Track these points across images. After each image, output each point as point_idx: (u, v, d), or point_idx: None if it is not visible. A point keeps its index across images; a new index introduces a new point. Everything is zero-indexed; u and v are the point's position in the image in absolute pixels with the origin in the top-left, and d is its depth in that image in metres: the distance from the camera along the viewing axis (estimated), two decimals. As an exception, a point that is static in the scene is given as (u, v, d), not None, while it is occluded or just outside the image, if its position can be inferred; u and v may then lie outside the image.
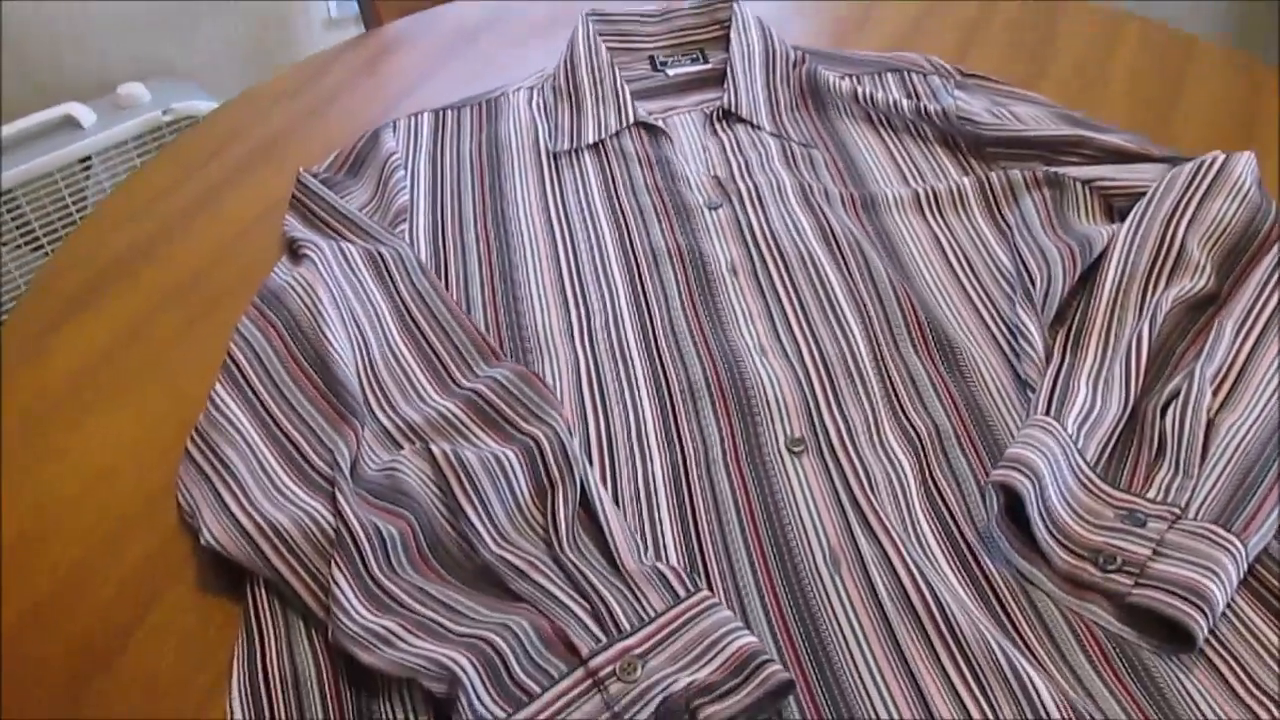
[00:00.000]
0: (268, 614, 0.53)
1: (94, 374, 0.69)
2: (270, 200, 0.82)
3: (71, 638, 0.54)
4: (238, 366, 0.63)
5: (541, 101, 0.88)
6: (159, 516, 0.59)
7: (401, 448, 0.59)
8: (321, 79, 0.99)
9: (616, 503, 0.57)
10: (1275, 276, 0.63)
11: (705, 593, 0.49)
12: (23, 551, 0.59)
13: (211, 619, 0.54)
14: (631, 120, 0.84)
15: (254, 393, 0.62)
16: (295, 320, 0.65)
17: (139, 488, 0.61)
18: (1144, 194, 0.68)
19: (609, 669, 0.46)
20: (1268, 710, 0.46)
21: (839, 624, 0.50)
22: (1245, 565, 0.50)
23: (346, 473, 0.55)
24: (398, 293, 0.69)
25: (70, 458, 0.64)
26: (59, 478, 0.62)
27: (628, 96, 0.85)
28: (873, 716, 0.47)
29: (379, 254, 0.71)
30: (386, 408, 0.61)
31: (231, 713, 0.49)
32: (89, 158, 1.30)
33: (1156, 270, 0.64)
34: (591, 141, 0.83)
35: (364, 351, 0.64)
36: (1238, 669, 0.48)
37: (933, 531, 0.54)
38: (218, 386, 0.62)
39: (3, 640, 0.54)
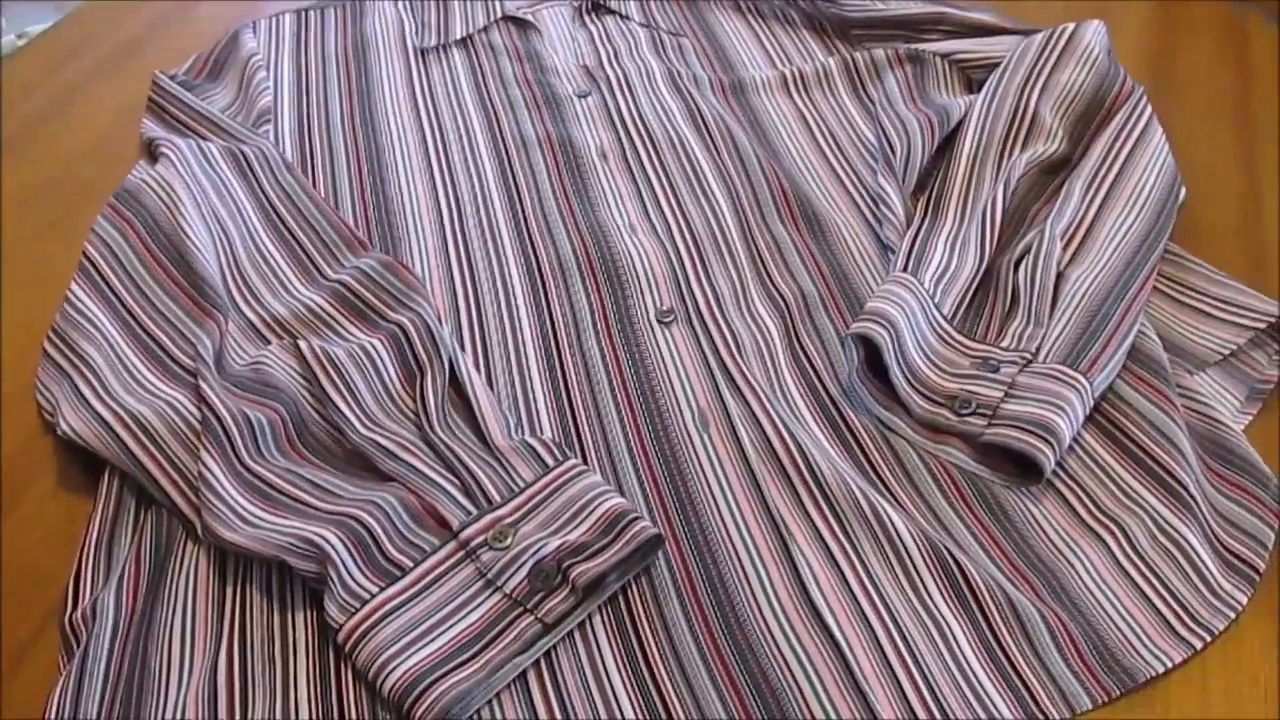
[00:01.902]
0: (100, 505, 0.52)
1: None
2: (126, 104, 0.79)
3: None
4: (94, 266, 0.61)
5: (407, -1, 0.87)
6: (19, 417, 0.58)
7: (268, 342, 0.58)
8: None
9: (490, 377, 0.57)
10: (1121, 138, 0.65)
11: (574, 460, 0.50)
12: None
13: (77, 511, 0.53)
14: (499, 14, 0.83)
15: (112, 290, 0.60)
16: (153, 218, 0.63)
17: (-3, 388, 0.60)
18: (999, 64, 0.70)
19: (480, 539, 0.47)
20: (1108, 530, 0.49)
21: (707, 481, 0.51)
22: (1090, 400, 0.52)
23: (210, 364, 0.54)
24: (261, 189, 0.67)
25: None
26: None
27: (495, -10, 0.84)
28: (739, 564, 0.48)
29: (241, 152, 0.69)
30: (253, 301, 0.60)
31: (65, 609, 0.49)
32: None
33: (1012, 136, 0.66)
34: (459, 37, 0.81)
35: (227, 247, 0.63)
36: (1083, 495, 0.50)
37: (799, 389, 0.56)
38: (74, 286, 0.60)
39: None
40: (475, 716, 0.43)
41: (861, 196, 0.67)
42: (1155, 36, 0.83)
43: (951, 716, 0.43)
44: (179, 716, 0.43)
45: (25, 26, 1.27)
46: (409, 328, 0.56)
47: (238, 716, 0.44)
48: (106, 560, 0.50)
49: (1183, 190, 0.64)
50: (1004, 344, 0.55)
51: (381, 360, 0.55)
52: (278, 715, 0.44)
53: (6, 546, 0.53)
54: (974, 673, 0.44)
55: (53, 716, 0.44)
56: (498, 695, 0.44)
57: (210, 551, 0.50)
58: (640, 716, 0.43)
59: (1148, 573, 0.47)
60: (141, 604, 0.48)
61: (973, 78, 0.73)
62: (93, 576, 0.50)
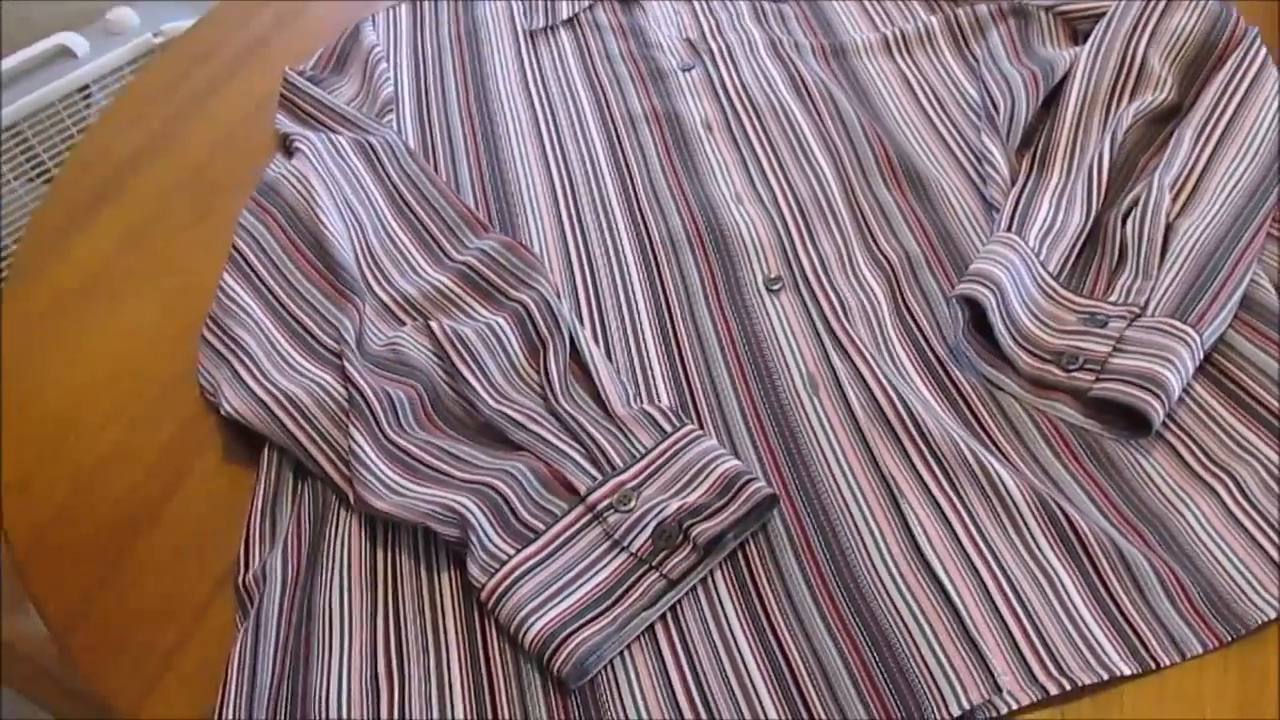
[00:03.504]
0: (263, 477, 0.57)
1: (111, 269, 0.73)
2: (259, 98, 0.85)
3: (111, 512, 0.59)
4: (242, 256, 0.67)
5: (515, -18, 0.90)
6: (182, 399, 0.63)
7: (402, 322, 0.62)
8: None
9: (608, 351, 0.60)
10: (1233, 84, 0.64)
11: (691, 426, 0.53)
12: (60, 432, 0.63)
13: (242, 482, 0.58)
14: (603, -8, 0.85)
15: (259, 279, 0.65)
16: (292, 209, 0.68)
17: (161, 373, 0.65)
18: (1105, 15, 0.69)
19: (606, 502, 0.50)
20: (1219, 479, 0.49)
21: (818, 441, 0.54)
22: (1200, 353, 0.52)
23: (353, 345, 0.58)
24: (388, 177, 0.71)
25: (95, 346, 0.68)
26: (87, 365, 0.67)
27: (598, -31, 0.86)
28: (851, 522, 0.50)
29: (368, 143, 0.73)
30: (385, 283, 0.64)
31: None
32: (87, 86, 1.32)
33: (1119, 87, 0.65)
34: (566, 17, 0.84)
35: (360, 234, 0.67)
36: (1193, 446, 0.51)
37: (905, 350, 0.57)
38: (225, 276, 0.66)
39: (42, 525, 0.59)
40: (609, 666, 0.47)
41: (966, 156, 0.67)
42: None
43: (1063, 664, 0.44)
44: (345, 668, 0.48)
45: (162, 24, 1.35)
46: (530, 305, 0.60)
47: (394, 666, 0.48)
48: (271, 528, 0.55)
49: (1300, 133, 0.63)
50: (1112, 298, 0.55)
51: (507, 337, 0.59)
52: (430, 666, 0.48)
53: (179, 516, 0.58)
54: (1084, 620, 0.46)
55: (235, 666, 0.49)
56: (628, 649, 0.47)
57: (362, 518, 0.54)
58: (761, 663, 0.46)
59: (1260, 519, 0.48)
60: (304, 565, 0.53)
61: (1079, 29, 0.72)
62: (260, 542, 0.55)
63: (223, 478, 0.60)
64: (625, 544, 0.49)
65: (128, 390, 0.65)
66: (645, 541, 0.49)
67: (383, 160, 0.72)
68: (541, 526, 0.50)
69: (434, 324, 0.59)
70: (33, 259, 0.75)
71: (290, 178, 0.70)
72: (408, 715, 0.47)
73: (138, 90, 0.91)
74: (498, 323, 0.59)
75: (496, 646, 0.49)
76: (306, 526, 0.55)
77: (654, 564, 0.48)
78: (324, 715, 0.47)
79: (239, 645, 0.49)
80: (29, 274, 0.74)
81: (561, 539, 0.50)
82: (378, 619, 0.50)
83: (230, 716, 0.46)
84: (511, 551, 0.49)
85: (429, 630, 0.50)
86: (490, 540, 0.49)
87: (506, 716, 0.47)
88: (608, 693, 0.46)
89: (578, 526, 0.50)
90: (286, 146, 0.75)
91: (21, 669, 0.89)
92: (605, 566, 0.48)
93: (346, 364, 0.57)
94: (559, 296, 0.60)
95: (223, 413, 0.58)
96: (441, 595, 0.51)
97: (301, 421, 0.56)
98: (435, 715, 0.47)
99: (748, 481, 0.50)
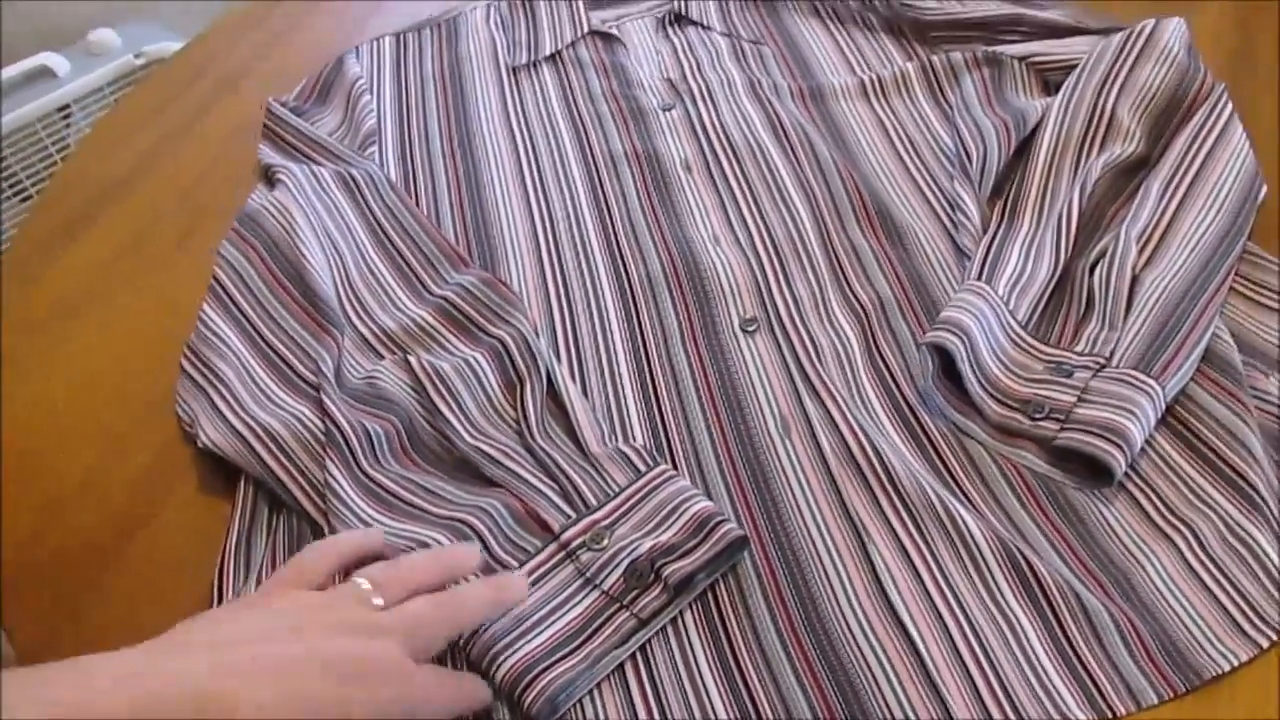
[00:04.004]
0: (239, 509, 0.58)
1: (91, 291, 0.74)
2: (241, 125, 0.85)
3: (81, 540, 0.59)
4: (222, 287, 0.67)
5: (499, 18, 0.91)
6: (161, 423, 0.63)
7: (380, 355, 0.62)
8: (281, 8, 1.01)
9: (584, 389, 0.61)
10: (1200, 137, 0.66)
11: (664, 466, 0.54)
12: (31, 458, 0.63)
13: (217, 512, 0.59)
14: (586, 30, 0.86)
15: (239, 310, 0.66)
16: (273, 240, 0.69)
17: (140, 396, 0.65)
18: (1077, 66, 0.71)
19: (579, 540, 0.51)
20: (1178, 531, 0.51)
21: (789, 484, 0.55)
22: (1162, 405, 0.54)
23: (331, 378, 0.59)
24: (369, 210, 0.72)
25: (71, 369, 0.68)
26: (62, 388, 0.67)
27: (581, 6, 0.87)
28: (820, 566, 0.51)
29: (350, 175, 0.74)
30: (364, 316, 0.65)
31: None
32: (68, 106, 1.32)
33: (1089, 139, 0.67)
34: (549, 53, 0.85)
35: (340, 266, 0.68)
36: (1154, 497, 0.52)
37: (876, 394, 0.58)
38: (205, 306, 0.66)
39: (10, 545, 0.59)
40: (578, 706, 0.47)
41: (939, 202, 0.69)
42: (1235, 33, 0.83)
43: (1022, 712, 0.45)
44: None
45: (144, 46, 1.35)
46: (508, 341, 0.60)
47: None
48: (246, 559, 0.56)
49: (1263, 188, 0.65)
50: (1078, 348, 0.57)
51: (484, 372, 0.59)
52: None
53: (152, 547, 0.58)
54: (1044, 669, 0.46)
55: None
56: (598, 688, 0.48)
57: (336, 553, 0.54)
58: (729, 708, 0.47)
59: (1216, 573, 0.49)
60: (277, 601, 0.53)
61: (1050, 80, 0.74)
62: (234, 574, 0.55)
63: (198, 508, 0.60)
64: (598, 582, 0.49)
65: (104, 415, 0.65)
66: (617, 580, 0.49)
67: (364, 192, 0.73)
68: (514, 563, 0.51)
69: (412, 358, 0.60)
70: (14, 278, 0.76)
71: (272, 209, 0.71)
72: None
73: (122, 113, 0.91)
74: (475, 358, 0.60)
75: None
76: (281, 559, 0.55)
77: (625, 603, 0.49)
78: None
79: None
80: (9, 293, 0.75)
81: (534, 576, 0.50)
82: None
83: None
84: None
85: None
86: None
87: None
88: (576, 733, 0.47)
89: (551, 564, 0.51)
90: (269, 177, 0.76)
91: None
92: (578, 604, 0.49)
93: (324, 397, 0.57)
94: (537, 334, 0.61)
95: (199, 444, 0.59)
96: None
97: (279, 454, 0.56)
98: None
99: (719, 523, 0.50)
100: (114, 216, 0.80)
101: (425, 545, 0.51)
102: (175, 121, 0.89)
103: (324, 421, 0.56)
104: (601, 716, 0.47)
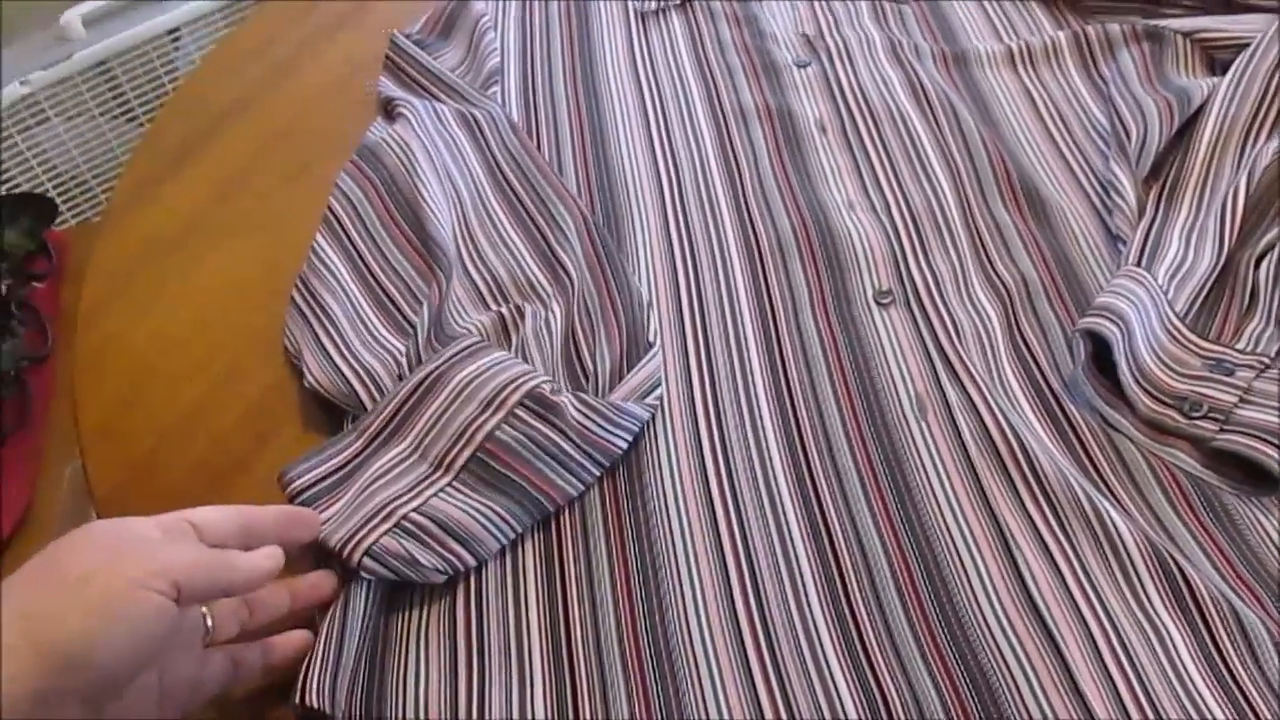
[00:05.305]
0: None
1: (201, 222, 0.73)
2: (355, 62, 0.84)
3: (187, 471, 0.59)
4: (337, 219, 0.66)
5: (627, -39, 0.88)
6: (272, 355, 0.62)
7: (488, 306, 0.61)
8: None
9: (709, 358, 0.58)
10: (1383, 128, 0.61)
11: None
12: (146, 388, 0.63)
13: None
14: (719, -24, 0.83)
15: (352, 244, 0.64)
16: (391, 176, 0.67)
17: (250, 328, 0.64)
18: (1247, 45, 0.66)
19: None
20: (1347, 549, 0.47)
21: (925, 468, 0.52)
22: (1332, 412, 0.50)
23: (426, 325, 0.57)
24: (491, 152, 0.70)
25: (182, 301, 0.68)
26: (173, 319, 0.67)
27: (715, -47, 0.84)
28: (956, 558, 0.49)
29: (472, 115, 0.72)
30: (478, 260, 0.63)
31: None
32: (178, 29, 1.32)
33: (1258, 122, 0.63)
34: (679, 0, 0.82)
35: (459, 207, 0.66)
36: (1319, 511, 0.49)
37: (1018, 380, 0.55)
38: (319, 237, 0.65)
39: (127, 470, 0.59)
40: (702, 703, 0.45)
41: (1089, 181, 0.65)
42: None
43: (1168, 723, 0.43)
44: (423, 653, 0.48)
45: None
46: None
47: (474, 652, 0.48)
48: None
49: None
50: (1240, 345, 0.53)
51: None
52: (511, 652, 0.47)
53: (258, 481, 0.57)
54: (1193, 682, 0.44)
55: (322, 640, 0.48)
56: (723, 682, 0.46)
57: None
58: (858, 706, 0.44)
59: (1387, 594, 0.46)
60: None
61: (1216, 58, 0.69)
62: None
63: (305, 445, 0.59)
64: None
65: (214, 344, 0.65)
66: None
67: (485, 133, 0.71)
68: None
69: (513, 330, 0.58)
70: (125, 205, 0.75)
71: (392, 143, 0.69)
72: (487, 703, 0.46)
73: (236, 41, 0.91)
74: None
75: (579, 633, 0.48)
76: None
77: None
78: (400, 701, 0.46)
79: (328, 620, 0.49)
80: (121, 220, 0.74)
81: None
82: (457, 604, 0.49)
83: (314, 688, 0.45)
84: None
85: (510, 619, 0.49)
86: None
87: (587, 705, 0.46)
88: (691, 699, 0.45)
89: None
90: (389, 110, 0.74)
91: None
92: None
93: (411, 348, 0.56)
94: (653, 306, 0.60)
95: (305, 384, 0.58)
96: (525, 583, 0.50)
97: (376, 395, 0.55)
98: (515, 703, 0.46)
99: None
100: (223, 147, 0.79)
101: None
102: (286, 54, 0.87)
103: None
104: (725, 713, 0.45)
